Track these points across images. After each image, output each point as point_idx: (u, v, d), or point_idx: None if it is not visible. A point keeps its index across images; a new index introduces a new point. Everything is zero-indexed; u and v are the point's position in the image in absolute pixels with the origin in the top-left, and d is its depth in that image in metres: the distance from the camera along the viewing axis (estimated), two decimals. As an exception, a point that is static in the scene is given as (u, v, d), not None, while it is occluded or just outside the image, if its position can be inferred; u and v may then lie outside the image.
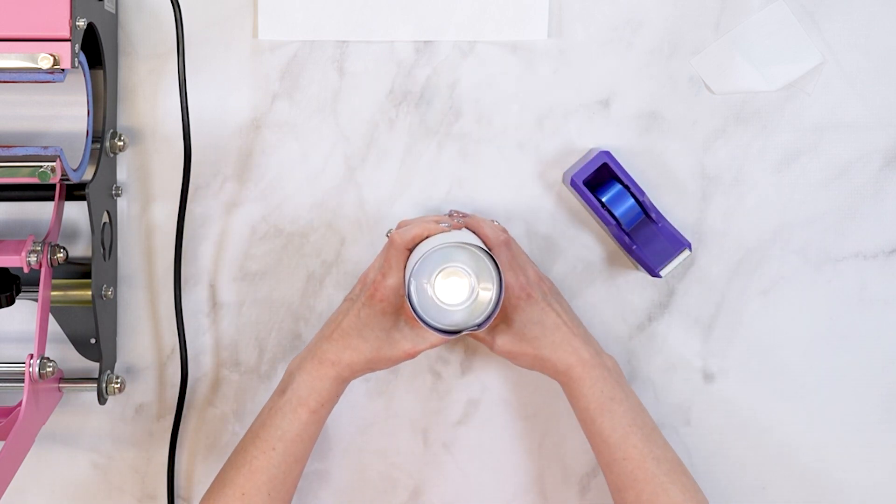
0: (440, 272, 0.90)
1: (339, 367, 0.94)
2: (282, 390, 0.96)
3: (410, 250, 0.93)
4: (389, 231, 0.96)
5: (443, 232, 0.92)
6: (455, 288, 0.90)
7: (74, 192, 0.98)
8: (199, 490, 1.05)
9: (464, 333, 0.91)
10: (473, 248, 0.90)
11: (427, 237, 0.93)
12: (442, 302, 0.90)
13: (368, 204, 1.03)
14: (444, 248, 0.90)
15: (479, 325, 0.91)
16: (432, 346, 0.95)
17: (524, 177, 1.03)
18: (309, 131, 1.03)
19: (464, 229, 0.99)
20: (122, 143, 0.99)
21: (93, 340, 1.02)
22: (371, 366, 0.95)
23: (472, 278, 0.90)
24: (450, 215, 0.99)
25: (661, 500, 0.91)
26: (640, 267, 1.00)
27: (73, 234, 1.03)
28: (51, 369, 0.93)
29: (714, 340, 1.04)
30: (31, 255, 0.93)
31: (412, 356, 0.95)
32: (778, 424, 1.04)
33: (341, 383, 0.95)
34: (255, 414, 1.05)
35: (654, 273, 0.98)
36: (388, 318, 0.94)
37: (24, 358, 0.93)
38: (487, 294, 0.90)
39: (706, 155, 1.02)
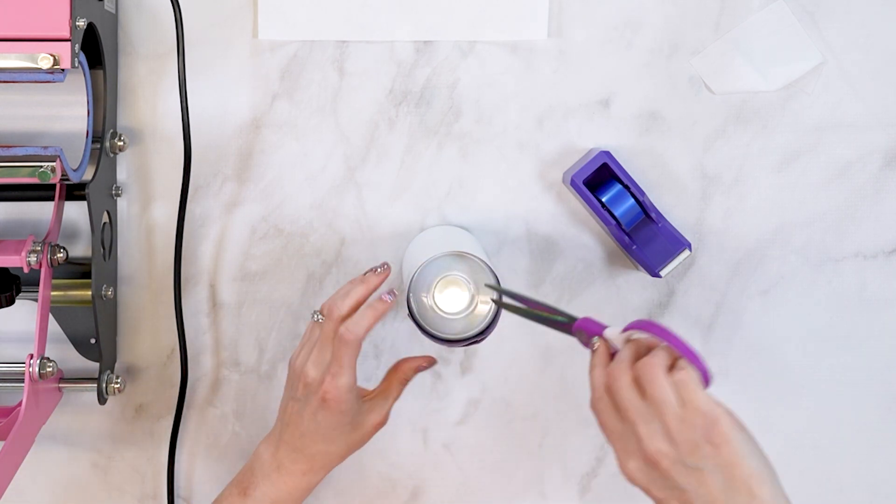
0: (439, 281, 0.89)
1: (311, 475, 0.91)
2: (244, 490, 0.92)
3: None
4: (316, 315, 0.90)
5: (385, 303, 0.89)
6: (454, 297, 0.89)
7: (74, 192, 0.98)
8: (199, 490, 1.05)
9: (464, 345, 0.90)
10: (472, 258, 0.89)
11: (383, 312, 0.88)
12: (441, 311, 0.90)
13: (368, 204, 1.03)
14: (444, 258, 0.89)
15: (479, 336, 0.90)
16: (398, 398, 0.93)
17: (524, 177, 1.03)
18: (309, 131, 1.03)
19: (463, 234, 0.99)
20: (122, 143, 0.99)
21: (93, 340, 1.02)
22: (346, 456, 0.92)
23: (471, 287, 0.89)
24: (373, 271, 0.92)
25: None
26: (640, 267, 1.00)
27: (73, 234, 1.03)
28: (51, 369, 0.93)
29: (714, 340, 1.04)
30: (31, 255, 0.92)
31: (384, 422, 0.93)
32: (778, 424, 1.04)
33: (312, 488, 0.93)
34: (256, 415, 1.05)
35: (654, 273, 0.98)
36: (348, 414, 0.90)
37: (24, 358, 0.93)
38: (486, 305, 0.90)
39: (706, 155, 1.02)
